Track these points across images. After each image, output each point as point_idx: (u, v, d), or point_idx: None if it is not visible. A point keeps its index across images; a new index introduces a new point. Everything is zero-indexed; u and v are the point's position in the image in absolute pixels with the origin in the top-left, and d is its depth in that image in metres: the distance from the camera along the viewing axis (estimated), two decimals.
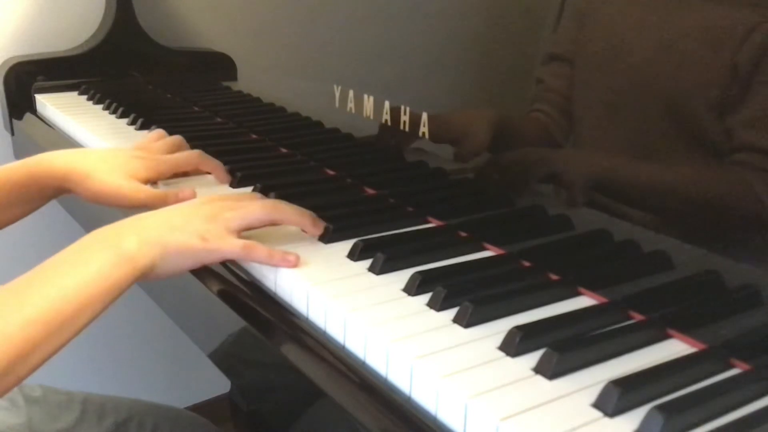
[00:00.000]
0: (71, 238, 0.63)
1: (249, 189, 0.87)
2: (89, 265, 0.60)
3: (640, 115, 0.61)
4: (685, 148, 0.59)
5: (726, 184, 0.57)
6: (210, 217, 0.66)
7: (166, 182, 0.87)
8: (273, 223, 0.70)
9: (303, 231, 0.72)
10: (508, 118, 0.73)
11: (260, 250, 0.66)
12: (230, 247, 0.65)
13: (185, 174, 0.90)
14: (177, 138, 0.92)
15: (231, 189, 0.88)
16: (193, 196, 0.80)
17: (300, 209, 0.72)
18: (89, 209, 1.03)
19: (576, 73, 0.66)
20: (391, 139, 0.82)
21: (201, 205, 0.68)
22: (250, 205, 0.69)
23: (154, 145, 0.90)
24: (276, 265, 0.66)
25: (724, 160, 0.56)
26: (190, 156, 0.89)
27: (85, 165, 0.81)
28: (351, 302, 0.61)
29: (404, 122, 0.79)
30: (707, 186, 0.58)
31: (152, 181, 0.85)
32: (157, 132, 0.94)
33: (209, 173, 0.90)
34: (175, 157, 0.88)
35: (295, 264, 0.66)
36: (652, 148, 0.61)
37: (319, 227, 0.72)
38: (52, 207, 0.90)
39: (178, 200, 0.79)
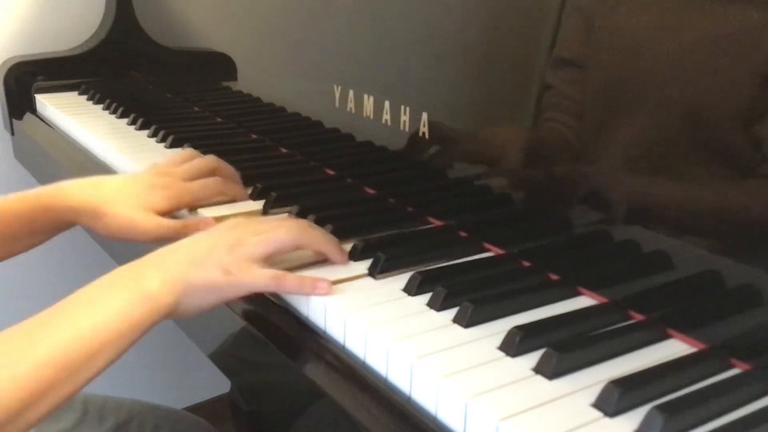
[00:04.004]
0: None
1: (249, 190, 0.86)
2: (108, 306, 0.57)
3: (654, 123, 0.59)
4: (706, 157, 0.57)
5: (750, 195, 0.55)
6: (233, 245, 0.62)
7: None
8: (299, 248, 0.66)
9: (328, 258, 0.68)
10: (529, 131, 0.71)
11: (290, 279, 0.62)
12: (257, 279, 0.62)
13: None
14: (209, 160, 0.85)
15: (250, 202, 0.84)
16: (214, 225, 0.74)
17: (327, 234, 0.68)
18: None
19: (587, 78, 0.65)
20: (423, 153, 0.79)
21: (225, 232, 0.64)
22: (276, 229, 0.64)
23: (177, 170, 0.82)
24: (307, 294, 0.62)
25: (750, 170, 0.55)
26: (215, 184, 0.82)
27: (99, 200, 0.76)
28: (351, 302, 0.61)
29: (404, 122, 0.79)
30: (727, 195, 0.56)
31: (174, 211, 0.79)
32: (188, 152, 0.87)
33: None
34: (200, 185, 0.81)
35: (327, 291, 0.62)
36: (669, 157, 0.59)
37: (344, 254, 0.68)
38: None
39: (198, 232, 0.73)
